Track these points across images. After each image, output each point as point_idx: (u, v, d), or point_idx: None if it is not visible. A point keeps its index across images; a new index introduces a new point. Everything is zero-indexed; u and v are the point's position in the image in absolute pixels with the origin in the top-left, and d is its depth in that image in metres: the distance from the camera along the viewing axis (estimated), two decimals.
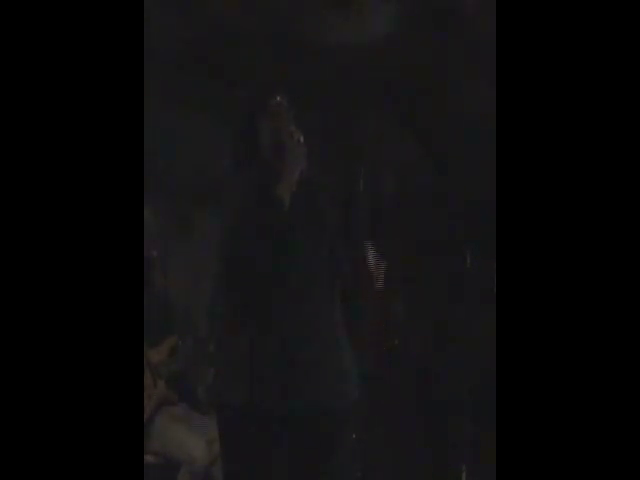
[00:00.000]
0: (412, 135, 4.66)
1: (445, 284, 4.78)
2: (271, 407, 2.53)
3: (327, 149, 3.98)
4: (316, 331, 2.61)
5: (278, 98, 2.70)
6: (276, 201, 2.61)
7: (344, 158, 4.26)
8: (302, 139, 2.63)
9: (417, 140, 4.66)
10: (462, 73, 4.36)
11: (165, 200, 4.31)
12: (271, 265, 2.57)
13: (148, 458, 3.67)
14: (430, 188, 4.72)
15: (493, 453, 2.07)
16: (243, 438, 2.57)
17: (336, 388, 2.61)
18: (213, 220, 2.91)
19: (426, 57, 4.35)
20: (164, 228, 4.10)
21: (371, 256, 2.67)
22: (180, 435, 3.68)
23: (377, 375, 4.37)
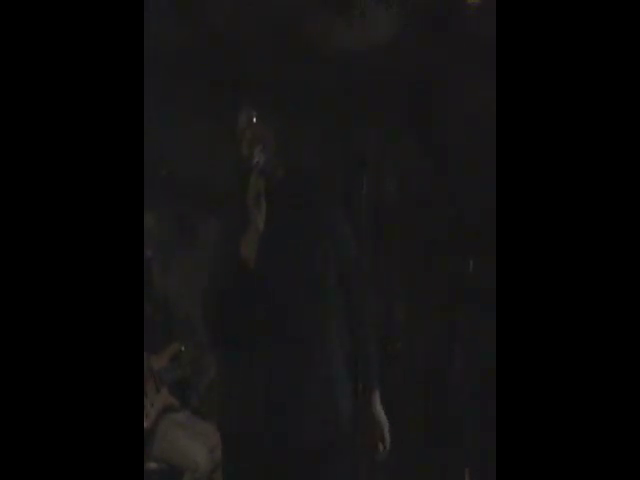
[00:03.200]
0: (414, 138, 4.67)
1: (448, 287, 4.77)
2: (259, 439, 2.48)
3: (328, 152, 4.00)
4: (306, 377, 2.52)
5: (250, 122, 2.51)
6: (241, 263, 2.42)
7: (345, 161, 4.26)
8: (260, 150, 2.45)
9: (419, 143, 4.67)
10: (463, 76, 4.36)
11: (166, 204, 4.31)
12: (250, 321, 2.45)
13: (151, 465, 3.66)
14: (432, 190, 4.72)
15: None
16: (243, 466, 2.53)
17: (324, 430, 2.52)
18: (213, 224, 2.92)
19: (428, 60, 4.36)
20: (165, 232, 4.09)
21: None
22: (183, 442, 3.68)
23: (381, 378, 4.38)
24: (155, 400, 3.68)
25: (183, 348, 3.86)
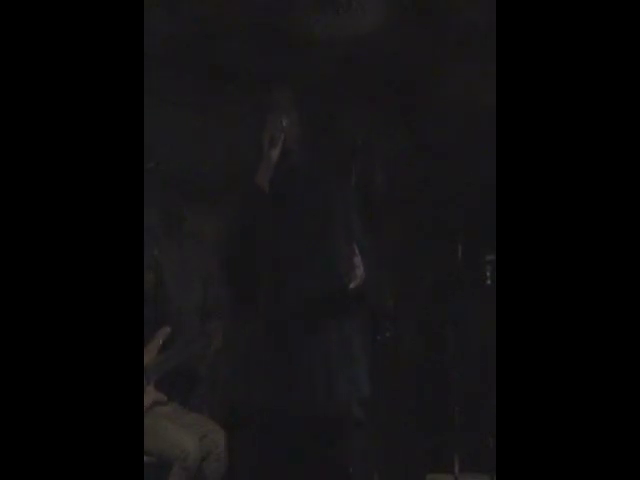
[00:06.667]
0: (405, 128, 4.66)
1: (437, 275, 4.77)
2: (269, 405, 2.60)
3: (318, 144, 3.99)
4: (319, 338, 2.67)
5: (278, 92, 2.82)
6: (256, 188, 2.74)
7: (336, 152, 4.26)
8: (284, 122, 2.76)
9: (410, 133, 4.66)
10: (454, 64, 4.35)
11: (158, 198, 4.29)
12: (264, 258, 2.66)
13: None
14: (423, 180, 4.71)
15: (486, 444, 2.07)
16: (248, 435, 2.67)
17: (336, 395, 2.65)
18: (206, 219, 2.98)
19: (417, 49, 4.33)
20: (157, 226, 4.07)
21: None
22: (171, 432, 3.65)
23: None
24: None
25: (172, 337, 3.81)
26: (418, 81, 4.47)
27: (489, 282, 4.40)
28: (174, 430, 3.65)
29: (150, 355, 3.73)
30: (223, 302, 3.72)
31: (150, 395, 3.71)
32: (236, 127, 2.94)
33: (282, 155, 2.76)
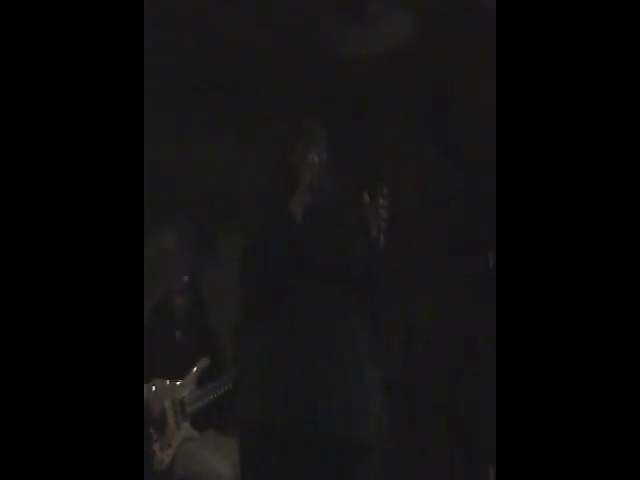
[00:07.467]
0: (431, 141, 4.67)
1: (468, 286, 4.74)
2: (282, 425, 2.64)
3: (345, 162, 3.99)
4: (335, 358, 2.71)
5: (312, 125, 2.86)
6: (288, 216, 2.76)
7: (363, 167, 4.28)
8: (316, 159, 2.80)
9: (436, 146, 4.66)
10: (479, 81, 4.34)
11: (189, 220, 4.31)
12: (287, 278, 2.69)
13: None
14: (451, 191, 4.71)
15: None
16: (259, 452, 2.72)
17: (349, 419, 2.66)
18: (237, 238, 3.00)
19: (444, 65, 4.34)
20: (190, 249, 4.06)
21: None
22: (206, 457, 3.64)
23: (402, 379, 4.44)
24: (174, 439, 3.65)
25: (212, 370, 3.77)
26: (447, 92, 4.48)
27: None
28: (209, 455, 3.64)
29: (188, 388, 3.71)
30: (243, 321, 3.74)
31: (184, 431, 3.69)
32: (266, 149, 2.98)
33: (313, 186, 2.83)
